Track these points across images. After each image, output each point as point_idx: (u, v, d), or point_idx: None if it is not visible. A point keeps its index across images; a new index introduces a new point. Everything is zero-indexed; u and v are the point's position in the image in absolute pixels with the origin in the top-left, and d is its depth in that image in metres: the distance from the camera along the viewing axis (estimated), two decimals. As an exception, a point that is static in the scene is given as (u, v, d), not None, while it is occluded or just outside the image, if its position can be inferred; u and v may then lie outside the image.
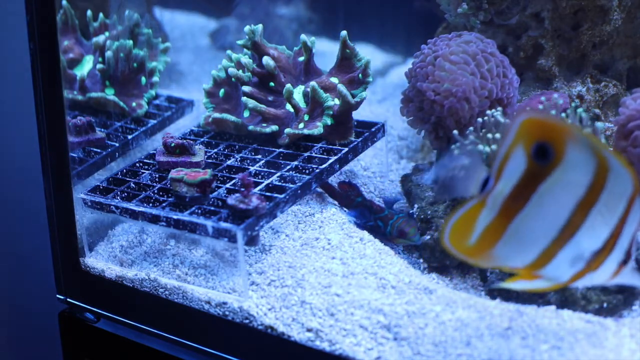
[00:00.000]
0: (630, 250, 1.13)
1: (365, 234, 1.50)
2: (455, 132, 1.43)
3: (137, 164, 1.59)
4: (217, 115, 1.63)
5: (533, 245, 1.13)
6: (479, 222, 1.14)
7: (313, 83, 1.57)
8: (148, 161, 1.59)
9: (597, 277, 1.14)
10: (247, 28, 1.64)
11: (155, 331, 1.50)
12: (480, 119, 1.43)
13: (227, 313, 1.40)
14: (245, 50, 1.66)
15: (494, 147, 1.37)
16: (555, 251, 1.13)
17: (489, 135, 1.38)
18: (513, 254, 1.14)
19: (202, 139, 1.64)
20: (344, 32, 1.61)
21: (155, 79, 1.80)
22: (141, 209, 1.46)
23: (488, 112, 1.44)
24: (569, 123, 1.16)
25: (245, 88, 1.61)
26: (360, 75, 1.60)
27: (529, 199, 1.12)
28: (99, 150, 1.65)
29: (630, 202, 1.10)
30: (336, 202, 1.60)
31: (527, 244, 1.13)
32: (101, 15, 1.81)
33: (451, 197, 1.45)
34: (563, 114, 1.39)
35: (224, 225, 1.38)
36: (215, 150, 1.61)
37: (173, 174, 1.47)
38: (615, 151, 1.15)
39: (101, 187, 1.53)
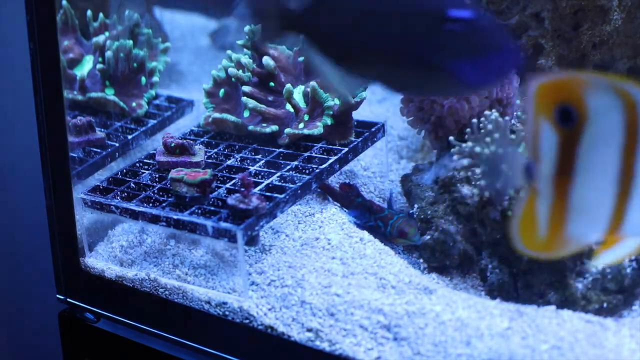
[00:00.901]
0: None
1: (365, 234, 1.50)
2: (451, 138, 1.42)
3: (137, 164, 1.59)
4: (217, 115, 1.63)
5: (601, 210, 1.05)
6: (540, 212, 1.07)
7: (313, 83, 1.57)
8: (148, 161, 1.59)
9: None
10: (247, 28, 1.64)
11: (155, 331, 1.50)
12: (475, 120, 1.43)
13: (227, 313, 1.40)
14: (245, 50, 1.66)
15: (492, 148, 1.36)
16: (624, 205, 1.04)
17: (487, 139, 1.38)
18: (587, 228, 1.07)
19: (202, 139, 1.64)
20: (344, 32, 1.61)
21: (155, 79, 1.80)
22: (141, 209, 1.46)
23: (487, 112, 1.43)
24: (579, 73, 1.08)
25: (245, 88, 1.61)
26: (360, 75, 1.60)
27: (575, 168, 1.04)
28: (99, 150, 1.65)
29: None
30: (337, 203, 1.60)
31: (594, 212, 1.06)
32: (101, 15, 1.81)
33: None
34: None
35: (224, 225, 1.38)
36: (215, 150, 1.61)
37: (173, 174, 1.47)
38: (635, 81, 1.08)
39: (101, 187, 1.53)
